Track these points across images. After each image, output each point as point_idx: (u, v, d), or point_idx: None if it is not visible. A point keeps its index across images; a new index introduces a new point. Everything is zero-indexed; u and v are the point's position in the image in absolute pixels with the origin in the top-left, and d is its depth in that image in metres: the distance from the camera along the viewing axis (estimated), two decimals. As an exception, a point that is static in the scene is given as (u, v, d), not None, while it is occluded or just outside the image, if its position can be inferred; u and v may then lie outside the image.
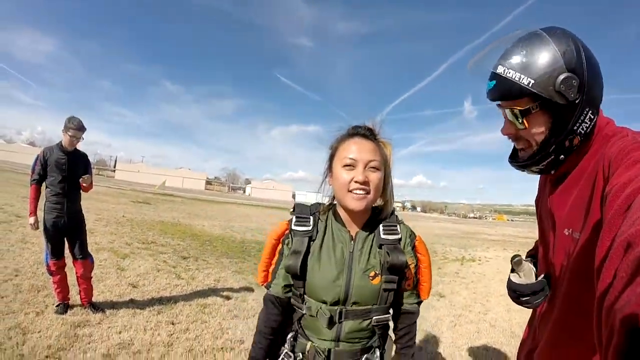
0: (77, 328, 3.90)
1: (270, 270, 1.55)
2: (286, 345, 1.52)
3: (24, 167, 32.04)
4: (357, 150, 1.40)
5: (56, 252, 4.31)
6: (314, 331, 1.45)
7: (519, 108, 1.18)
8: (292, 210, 1.56)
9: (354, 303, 1.40)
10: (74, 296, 4.58)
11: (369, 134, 1.46)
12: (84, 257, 4.45)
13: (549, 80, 1.10)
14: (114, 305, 4.66)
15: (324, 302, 1.41)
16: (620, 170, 0.88)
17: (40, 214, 4.32)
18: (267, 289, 1.54)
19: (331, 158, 1.49)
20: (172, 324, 4.33)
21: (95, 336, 3.78)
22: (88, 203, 4.52)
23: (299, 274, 1.42)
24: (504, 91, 1.18)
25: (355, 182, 1.36)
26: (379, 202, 1.52)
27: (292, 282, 1.48)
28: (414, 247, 1.50)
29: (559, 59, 1.10)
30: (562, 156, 1.19)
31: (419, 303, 1.55)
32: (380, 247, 1.44)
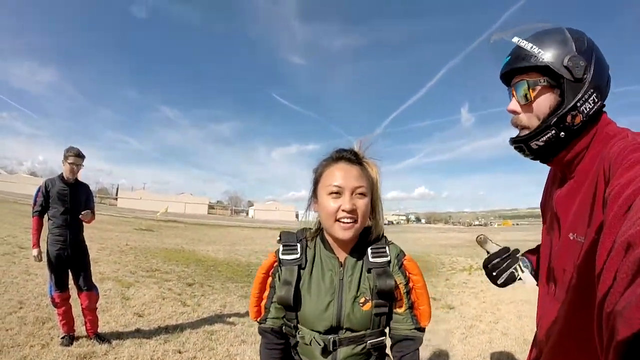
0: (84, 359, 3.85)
1: (262, 304, 1.53)
2: None
3: (26, 198, 32.07)
4: (342, 177, 1.36)
5: (60, 284, 4.29)
6: (310, 358, 1.44)
7: (527, 79, 1.23)
8: (278, 239, 1.53)
9: (347, 330, 1.38)
10: (79, 327, 4.55)
11: (354, 158, 1.42)
12: (89, 288, 4.43)
13: (558, 55, 1.17)
14: (120, 336, 4.62)
15: (317, 332, 1.39)
16: (620, 171, 0.88)
17: (44, 245, 4.31)
18: (261, 323, 1.52)
19: (315, 183, 1.46)
20: (179, 352, 4.29)
21: (101, 368, 3.73)
22: (91, 232, 4.52)
23: (292, 305, 1.39)
24: (516, 62, 1.25)
25: (343, 210, 1.33)
26: (369, 222, 1.47)
27: (284, 314, 1.46)
28: (401, 266, 1.45)
29: (571, 43, 1.17)
30: (562, 133, 1.20)
31: (419, 329, 1.44)
32: (369, 271, 1.41)
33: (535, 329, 1.49)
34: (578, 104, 1.16)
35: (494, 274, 1.46)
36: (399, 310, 1.43)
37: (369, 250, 1.44)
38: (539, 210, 1.56)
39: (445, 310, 6.92)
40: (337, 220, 1.34)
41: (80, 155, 4.38)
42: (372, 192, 1.42)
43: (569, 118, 1.17)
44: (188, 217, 43.66)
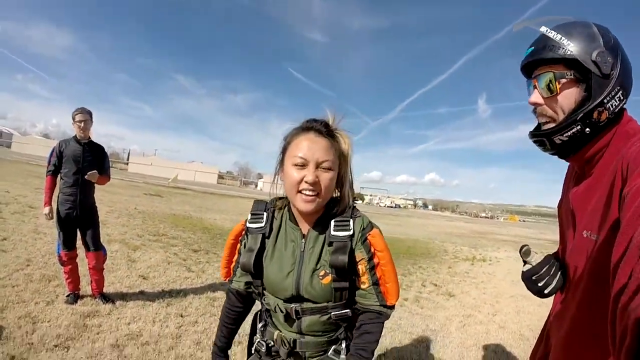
0: (87, 318, 3.95)
1: (232, 267, 1.61)
2: (257, 335, 1.58)
3: (38, 159, 32.50)
4: (308, 148, 1.33)
5: (68, 243, 4.36)
6: (279, 322, 1.49)
7: (553, 71, 1.20)
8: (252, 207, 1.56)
9: (308, 301, 1.40)
10: (85, 287, 4.65)
11: (324, 130, 1.38)
12: (97, 248, 4.49)
13: (586, 50, 1.14)
14: (124, 297, 4.71)
15: (281, 299, 1.43)
16: (639, 171, 0.87)
17: (55, 205, 4.37)
18: (230, 283, 1.61)
19: (283, 152, 1.43)
20: (181, 316, 4.36)
21: (104, 326, 3.82)
22: (101, 195, 4.57)
23: (254, 272, 1.43)
24: (542, 52, 1.20)
25: (305, 182, 1.31)
26: (336, 194, 1.47)
27: (249, 279, 1.52)
28: (365, 241, 1.40)
29: (599, 38, 1.15)
30: (587, 129, 1.17)
31: (385, 306, 1.41)
32: (330, 244, 1.39)
33: (544, 324, 1.49)
34: (605, 100, 1.14)
35: (540, 284, 1.37)
36: (362, 286, 1.41)
37: (332, 223, 1.41)
38: (545, 209, 1.55)
39: (445, 297, 6.95)
40: (299, 191, 1.33)
41: (85, 112, 4.38)
42: (340, 165, 1.41)
43: (595, 114, 1.15)
44: (197, 186, 43.97)
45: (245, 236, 1.53)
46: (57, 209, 4.34)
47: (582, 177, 1.27)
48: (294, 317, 1.41)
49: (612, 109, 1.15)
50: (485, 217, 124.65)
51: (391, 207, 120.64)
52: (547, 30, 1.19)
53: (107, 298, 4.50)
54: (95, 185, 4.60)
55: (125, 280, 5.34)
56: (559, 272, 1.33)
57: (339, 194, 1.47)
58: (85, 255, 4.50)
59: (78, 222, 4.42)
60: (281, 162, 1.44)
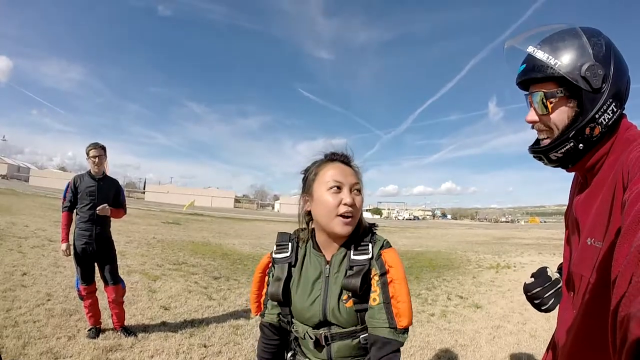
0: (109, 352, 3.93)
1: (262, 300, 1.64)
2: None
3: (56, 192, 33.05)
4: (341, 174, 1.42)
5: (86, 277, 4.39)
6: (308, 349, 1.50)
7: (544, 90, 1.21)
8: (276, 239, 1.63)
9: (336, 325, 1.42)
10: (106, 320, 4.64)
11: (347, 160, 1.50)
12: (115, 282, 4.51)
13: (575, 65, 1.14)
14: (146, 329, 4.69)
15: (309, 326, 1.46)
16: (639, 176, 0.88)
17: (72, 240, 4.40)
18: (262, 317, 1.63)
19: (310, 183, 1.48)
20: (205, 346, 4.32)
21: (127, 361, 3.78)
22: (118, 225, 4.65)
23: (283, 300, 1.48)
24: (532, 72, 1.22)
25: (344, 204, 1.37)
26: None
27: (280, 310, 1.56)
28: (379, 257, 1.41)
29: (588, 49, 1.14)
30: (581, 145, 1.19)
31: (396, 330, 1.32)
32: (351, 268, 1.42)
33: (553, 333, 1.48)
34: (597, 116, 1.15)
35: (536, 302, 1.45)
36: (372, 304, 1.36)
37: (352, 248, 1.46)
38: (565, 208, 1.53)
39: (472, 309, 6.81)
40: (339, 215, 1.38)
41: (99, 147, 4.46)
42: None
43: (587, 130, 1.17)
44: (214, 211, 44.29)
45: (272, 267, 1.58)
46: (74, 244, 4.38)
47: (585, 185, 1.28)
48: (324, 343, 1.42)
49: (605, 122, 1.16)
50: (506, 222, 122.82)
51: (410, 219, 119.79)
52: (534, 51, 1.20)
53: (128, 331, 4.49)
54: (112, 218, 4.64)
55: (147, 311, 5.34)
56: (555, 291, 1.40)
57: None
58: (104, 289, 4.51)
59: (95, 256, 4.45)
60: (307, 192, 1.49)
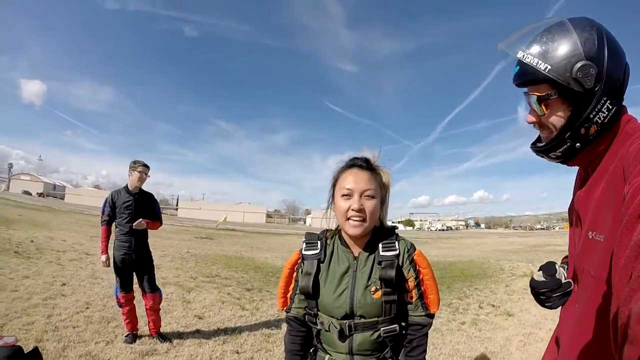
0: (145, 356, 4.07)
1: (289, 295, 1.75)
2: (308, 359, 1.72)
3: (91, 209, 34.01)
4: (353, 180, 1.57)
5: (125, 286, 4.58)
6: (330, 344, 1.62)
7: (538, 94, 1.22)
8: (304, 238, 1.75)
9: (361, 316, 1.55)
10: (142, 327, 4.80)
11: (365, 165, 1.63)
12: (153, 290, 4.69)
13: (566, 67, 1.13)
14: (181, 336, 4.82)
15: (335, 318, 1.57)
16: (638, 169, 0.88)
17: (111, 251, 4.62)
18: (287, 312, 1.74)
19: (333, 187, 1.66)
20: (237, 352, 4.40)
21: (163, 365, 3.90)
22: (153, 240, 4.81)
23: (312, 293, 1.59)
24: (525, 76, 1.24)
25: (352, 210, 1.53)
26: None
27: (307, 304, 1.67)
28: (412, 261, 1.60)
29: (579, 47, 1.13)
30: (577, 144, 1.21)
31: (429, 315, 1.61)
32: (380, 263, 1.57)
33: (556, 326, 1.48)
34: (591, 116, 1.15)
35: (542, 298, 1.43)
36: (410, 300, 1.60)
37: (380, 245, 1.61)
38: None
39: (504, 317, 6.70)
40: (348, 218, 1.54)
41: (146, 166, 4.77)
42: (381, 194, 1.64)
43: (582, 130, 1.18)
44: (246, 226, 44.62)
45: (302, 263, 1.69)
46: (114, 254, 4.60)
47: (586, 179, 1.29)
48: (347, 334, 1.54)
49: (600, 121, 1.16)
50: (541, 229, 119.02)
51: (442, 229, 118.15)
52: (523, 56, 1.20)
53: (164, 337, 4.63)
54: (149, 230, 4.86)
55: (182, 320, 5.47)
56: (563, 294, 1.35)
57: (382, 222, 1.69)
58: (142, 297, 4.69)
59: (134, 266, 4.65)
60: (332, 196, 1.66)
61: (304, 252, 1.69)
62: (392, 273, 1.51)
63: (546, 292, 1.40)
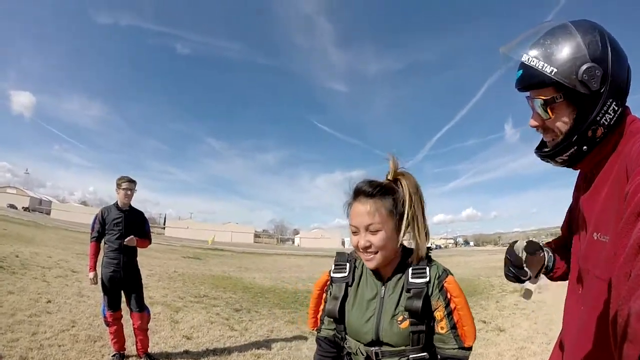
0: (134, 377, 3.97)
1: (319, 316, 1.73)
2: None
3: (77, 226, 33.57)
4: (356, 216, 1.49)
5: (113, 304, 4.52)
6: None
7: (543, 97, 1.22)
8: (334, 258, 1.73)
9: (387, 344, 1.49)
10: (130, 347, 4.72)
11: (369, 191, 1.49)
12: (141, 309, 4.63)
13: (571, 70, 1.13)
14: (169, 356, 4.75)
15: (361, 342, 1.54)
16: (639, 169, 0.89)
17: (100, 269, 4.56)
18: (318, 332, 1.72)
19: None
20: (227, 374, 4.33)
21: (151, 386, 3.83)
22: (140, 259, 4.76)
23: (338, 317, 1.57)
24: (529, 80, 1.23)
25: (360, 247, 1.48)
26: (409, 243, 1.59)
27: (335, 326, 1.65)
28: (442, 289, 1.49)
29: (583, 49, 1.13)
30: (585, 147, 1.20)
31: (464, 348, 1.47)
32: (408, 291, 1.49)
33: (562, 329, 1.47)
34: (598, 118, 1.15)
35: (512, 275, 1.52)
36: (441, 331, 1.47)
37: (410, 271, 1.53)
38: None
39: (495, 332, 6.77)
40: (360, 252, 1.51)
41: (131, 181, 4.74)
42: (397, 215, 1.50)
43: (589, 133, 1.17)
44: (234, 246, 44.31)
45: (330, 285, 1.67)
46: (102, 272, 4.54)
47: (591, 180, 1.28)
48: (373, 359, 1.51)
49: (607, 122, 1.16)
50: None
51: (431, 248, 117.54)
52: (528, 60, 1.20)
53: (152, 358, 4.57)
54: (138, 247, 4.82)
55: (169, 340, 5.40)
56: (519, 272, 1.47)
57: (411, 242, 1.57)
58: (130, 316, 4.62)
59: (122, 284, 4.60)
60: None
61: (332, 274, 1.67)
62: (418, 304, 1.43)
63: (511, 267, 1.49)
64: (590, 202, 1.25)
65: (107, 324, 4.48)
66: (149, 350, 4.69)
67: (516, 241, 1.52)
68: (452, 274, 1.54)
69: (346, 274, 1.63)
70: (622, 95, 1.17)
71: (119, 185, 4.66)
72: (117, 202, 4.72)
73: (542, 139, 1.36)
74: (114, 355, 4.44)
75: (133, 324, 4.59)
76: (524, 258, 1.47)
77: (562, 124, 1.22)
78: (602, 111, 1.14)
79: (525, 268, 1.47)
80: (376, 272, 1.59)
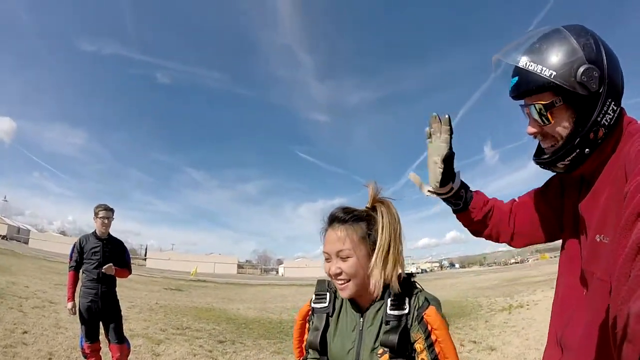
0: (114, 413, 3.80)
1: (303, 346, 1.69)
2: None
3: (56, 256, 32.92)
4: (328, 243, 1.49)
5: (91, 336, 4.42)
6: None
7: (542, 102, 1.21)
8: (315, 287, 1.70)
9: None
10: (109, 381, 4.52)
11: (342, 217, 1.50)
12: (120, 341, 4.55)
13: (570, 72, 1.14)
14: (150, 390, 4.56)
15: None
16: (638, 169, 0.90)
17: (78, 298, 4.48)
18: None
19: None
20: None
21: (132, 421, 3.67)
22: (120, 290, 4.68)
23: (320, 349, 1.54)
24: (527, 85, 1.23)
25: (331, 274, 1.47)
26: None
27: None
28: (421, 320, 1.41)
29: (579, 52, 1.14)
30: (587, 150, 1.20)
31: None
32: (387, 323, 1.43)
33: (553, 330, 1.45)
34: (598, 119, 1.16)
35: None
36: None
37: (388, 302, 1.46)
38: None
39: (487, 352, 6.77)
40: (334, 280, 1.49)
41: (108, 209, 4.70)
42: (368, 245, 1.47)
43: (591, 135, 1.18)
44: (217, 277, 43.82)
45: (312, 316, 1.65)
46: (79, 302, 4.45)
47: (590, 184, 1.28)
48: None
49: (607, 123, 1.17)
50: (515, 263, 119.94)
51: (417, 272, 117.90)
52: (525, 64, 1.20)
53: (132, 392, 4.38)
54: (117, 277, 4.76)
55: (151, 373, 5.20)
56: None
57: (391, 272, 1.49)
58: (108, 348, 4.51)
59: (100, 314, 4.50)
60: None
61: (313, 304, 1.65)
62: (394, 339, 1.37)
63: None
64: (591, 205, 1.24)
65: (85, 356, 4.39)
66: (130, 384, 4.52)
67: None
68: (435, 304, 1.45)
69: (326, 304, 1.61)
70: (618, 95, 1.19)
71: (96, 214, 4.62)
72: (95, 231, 4.66)
73: (539, 146, 1.36)
74: (92, 389, 4.26)
75: (112, 357, 4.49)
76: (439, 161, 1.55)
77: (563, 128, 1.22)
78: (603, 112, 1.16)
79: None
80: (354, 302, 1.55)
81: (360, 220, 1.49)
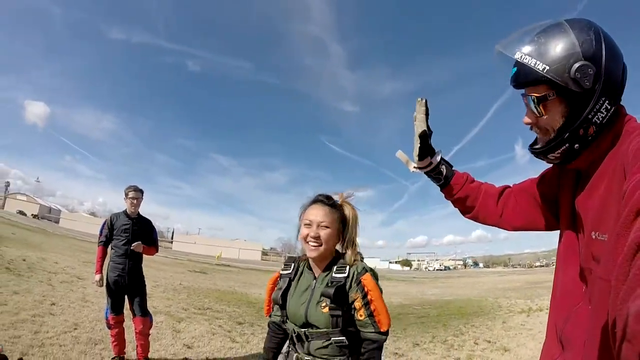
0: (132, 381, 3.98)
1: (271, 305, 2.14)
2: (282, 356, 2.10)
3: (85, 236, 33.76)
4: (313, 214, 1.95)
5: (116, 308, 4.60)
6: (297, 346, 1.97)
7: (536, 95, 1.24)
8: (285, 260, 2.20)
9: (314, 326, 1.88)
10: (130, 352, 4.75)
11: (325, 201, 2.00)
12: (143, 314, 4.68)
13: (564, 67, 1.15)
14: (169, 363, 4.73)
15: (296, 325, 1.93)
16: (638, 167, 0.90)
17: (105, 272, 4.67)
18: (269, 317, 2.15)
19: (300, 218, 2.03)
20: (226, 383, 4.33)
21: (148, 390, 3.84)
22: (146, 270, 4.84)
23: (281, 304, 1.99)
24: (522, 77, 1.26)
25: (310, 236, 1.89)
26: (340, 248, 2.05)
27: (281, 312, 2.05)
28: (359, 283, 1.86)
29: (576, 47, 1.15)
30: (576, 145, 1.22)
31: (380, 333, 1.85)
32: (331, 283, 1.88)
33: (552, 329, 1.43)
34: (589, 116, 1.17)
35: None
36: (360, 318, 1.85)
37: (334, 268, 1.93)
38: None
39: (500, 352, 6.71)
40: (307, 242, 1.91)
41: (138, 190, 4.91)
42: (343, 227, 2.01)
43: (581, 131, 1.19)
44: (241, 262, 44.21)
45: (279, 280, 2.09)
46: (107, 275, 4.65)
47: (586, 179, 1.28)
48: (304, 339, 1.91)
49: (599, 121, 1.17)
50: (540, 266, 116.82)
51: (440, 269, 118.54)
52: (521, 57, 1.22)
53: (151, 363, 4.56)
54: (143, 256, 4.94)
55: (170, 348, 5.41)
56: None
57: (346, 250, 2.01)
58: (132, 321, 4.67)
59: (126, 289, 4.68)
60: (300, 225, 2.03)
61: (281, 271, 2.11)
62: (330, 291, 1.82)
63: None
64: (587, 201, 1.25)
65: (109, 326, 4.54)
66: (149, 355, 4.70)
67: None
68: (370, 272, 1.91)
69: (290, 271, 2.07)
70: (616, 94, 1.18)
71: (126, 194, 4.83)
72: (126, 210, 4.87)
73: (536, 137, 1.37)
74: (113, 359, 4.48)
75: (135, 329, 4.63)
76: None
77: (554, 121, 1.24)
78: (595, 110, 1.16)
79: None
80: (311, 270, 2.03)
81: (335, 208, 2.01)
